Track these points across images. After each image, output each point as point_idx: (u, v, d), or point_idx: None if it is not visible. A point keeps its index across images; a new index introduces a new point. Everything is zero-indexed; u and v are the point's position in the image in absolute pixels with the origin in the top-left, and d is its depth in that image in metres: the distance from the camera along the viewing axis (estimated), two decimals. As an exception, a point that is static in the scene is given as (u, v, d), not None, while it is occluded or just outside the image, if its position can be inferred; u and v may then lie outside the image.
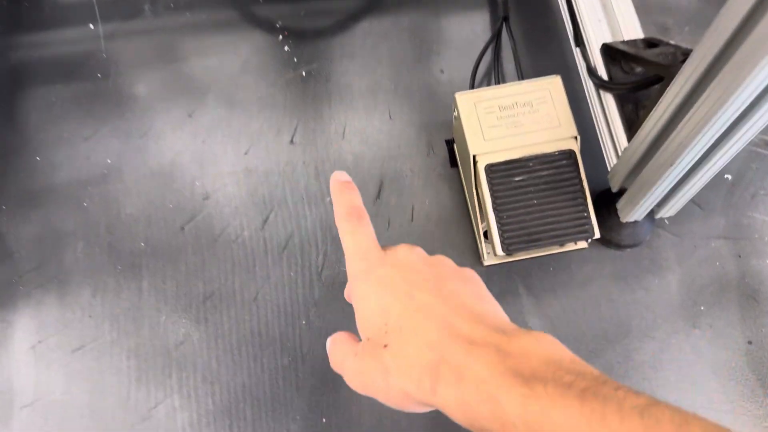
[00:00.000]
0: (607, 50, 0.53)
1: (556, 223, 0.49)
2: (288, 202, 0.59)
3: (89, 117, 0.62)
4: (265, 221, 0.58)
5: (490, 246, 0.54)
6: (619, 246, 0.55)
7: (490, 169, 0.49)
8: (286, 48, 0.65)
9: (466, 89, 0.53)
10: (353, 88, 0.63)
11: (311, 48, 0.65)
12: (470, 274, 0.33)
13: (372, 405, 0.48)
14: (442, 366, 0.27)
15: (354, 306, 0.33)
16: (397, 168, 0.60)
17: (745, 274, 0.56)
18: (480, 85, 0.63)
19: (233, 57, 0.65)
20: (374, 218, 0.58)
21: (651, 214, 0.54)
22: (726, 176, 0.59)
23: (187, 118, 0.62)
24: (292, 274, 0.56)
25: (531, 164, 0.49)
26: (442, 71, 0.64)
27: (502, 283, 0.56)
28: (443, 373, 0.27)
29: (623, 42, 0.53)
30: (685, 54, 0.45)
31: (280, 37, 0.65)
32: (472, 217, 0.56)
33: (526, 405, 0.24)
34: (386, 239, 0.57)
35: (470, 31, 0.65)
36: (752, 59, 0.31)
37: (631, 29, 0.55)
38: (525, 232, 0.49)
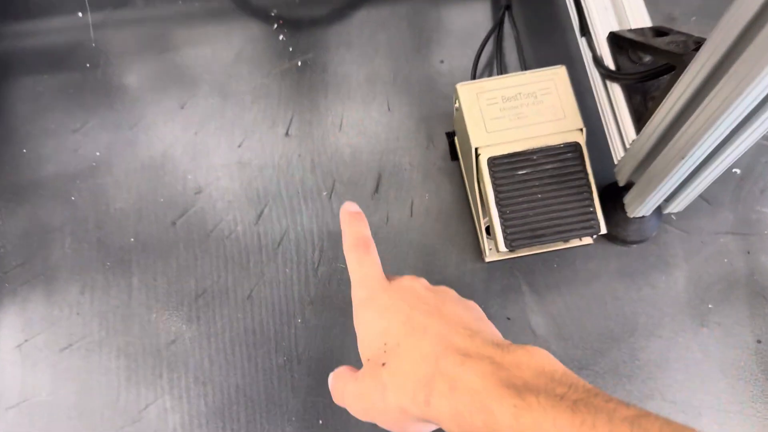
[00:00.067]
0: (615, 39, 0.51)
1: (561, 218, 0.47)
2: (283, 196, 0.57)
3: (77, 108, 0.61)
4: (260, 216, 0.57)
5: (492, 242, 0.52)
6: (625, 242, 0.54)
7: (493, 162, 0.47)
8: (281, 37, 0.63)
9: (466, 80, 0.52)
10: (350, 79, 0.61)
11: (307, 37, 0.63)
12: (472, 304, 0.34)
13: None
14: (437, 378, 0.28)
15: (357, 332, 0.34)
16: (396, 161, 0.58)
17: (754, 270, 0.54)
18: (481, 76, 0.61)
19: (226, 46, 0.63)
20: (372, 213, 0.56)
21: (658, 210, 0.52)
22: (734, 170, 0.57)
23: (179, 110, 0.60)
24: (287, 270, 0.55)
25: (535, 157, 0.47)
26: (442, 61, 0.62)
27: (504, 280, 0.54)
28: (437, 385, 0.27)
29: (631, 30, 0.51)
30: (698, 42, 0.43)
31: (275, 25, 0.63)
32: (474, 212, 0.54)
33: (518, 416, 0.24)
34: (385, 234, 0.55)
35: (471, 19, 0.63)
36: (773, 46, 0.30)
37: (639, 18, 0.53)
38: (529, 227, 0.47)
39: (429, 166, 0.58)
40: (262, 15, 0.64)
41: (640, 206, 0.49)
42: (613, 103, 0.51)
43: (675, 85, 0.39)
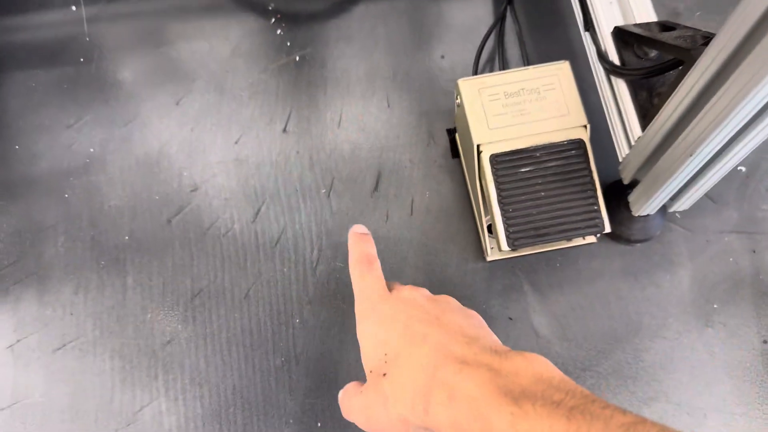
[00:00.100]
0: (620, 34, 0.50)
1: (565, 216, 0.46)
2: (281, 194, 0.56)
3: (71, 104, 0.59)
4: (257, 214, 0.56)
5: (494, 240, 0.51)
6: (629, 241, 0.53)
7: (495, 159, 0.46)
8: (278, 31, 0.62)
9: (467, 75, 0.51)
10: (350, 74, 0.60)
11: (305, 31, 0.62)
12: (472, 313, 0.34)
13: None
14: (435, 387, 0.28)
15: (360, 344, 0.34)
16: (396, 158, 0.57)
17: (760, 270, 0.53)
18: (482, 72, 0.60)
19: (223, 41, 0.61)
20: (372, 211, 0.55)
21: (663, 208, 0.51)
22: (740, 168, 0.56)
23: (175, 106, 0.59)
24: (285, 269, 0.54)
25: (538, 154, 0.47)
26: (442, 57, 0.61)
27: (505, 279, 0.53)
28: (436, 394, 0.28)
29: (636, 25, 0.50)
30: (706, 37, 0.42)
31: (273, 19, 0.62)
32: (475, 210, 0.53)
33: (514, 424, 0.24)
34: (384, 233, 0.54)
35: (472, 14, 0.62)
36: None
37: (644, 12, 0.52)
38: (531, 226, 0.46)
39: (430, 163, 0.57)
40: (259, 8, 0.63)
41: (645, 205, 0.48)
42: (618, 99, 0.50)
43: (683, 81, 0.38)
